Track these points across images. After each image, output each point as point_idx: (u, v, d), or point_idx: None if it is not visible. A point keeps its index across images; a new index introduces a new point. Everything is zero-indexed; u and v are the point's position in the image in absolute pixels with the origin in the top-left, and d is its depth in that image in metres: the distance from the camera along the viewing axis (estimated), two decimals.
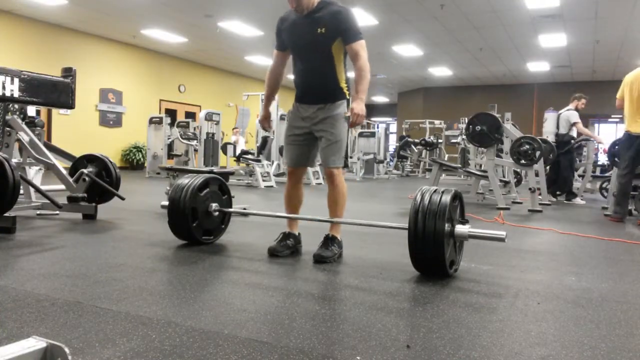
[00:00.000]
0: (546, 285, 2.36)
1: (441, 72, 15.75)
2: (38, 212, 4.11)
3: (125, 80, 13.17)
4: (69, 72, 4.34)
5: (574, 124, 7.00)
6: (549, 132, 7.18)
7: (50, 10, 10.09)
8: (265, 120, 3.05)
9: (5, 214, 3.21)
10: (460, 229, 2.38)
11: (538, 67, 14.47)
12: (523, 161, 5.85)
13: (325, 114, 2.75)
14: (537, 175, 6.15)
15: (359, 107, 2.59)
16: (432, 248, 2.26)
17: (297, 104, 2.87)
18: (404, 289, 2.21)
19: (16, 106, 4.15)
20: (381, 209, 5.82)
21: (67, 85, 4.28)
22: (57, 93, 4.21)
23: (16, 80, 3.86)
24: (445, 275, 2.36)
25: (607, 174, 8.01)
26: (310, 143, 2.86)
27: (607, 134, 17.00)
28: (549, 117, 7.37)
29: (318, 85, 2.78)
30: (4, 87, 3.76)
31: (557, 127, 7.14)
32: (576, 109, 7.15)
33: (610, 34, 10.76)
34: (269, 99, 3.03)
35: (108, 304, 1.86)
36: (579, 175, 8.34)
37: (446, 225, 2.26)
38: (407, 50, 12.85)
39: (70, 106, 4.35)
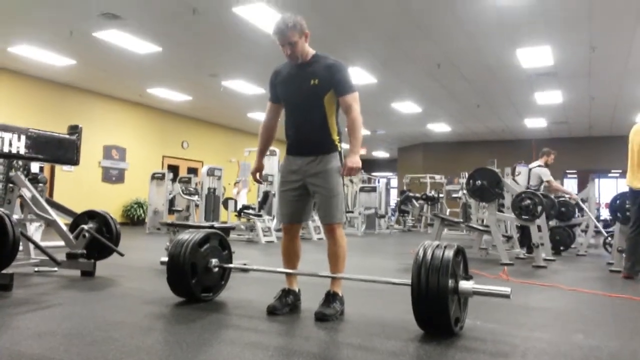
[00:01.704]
0: (554, 343, 2.30)
1: (440, 127, 16.01)
2: (36, 268, 4.06)
3: (130, 137, 13.38)
4: (75, 129, 4.42)
5: (547, 181, 7.05)
6: (522, 185, 7.25)
7: (59, 71, 10.41)
8: (257, 173, 3.01)
9: (2, 271, 3.17)
10: (464, 285, 2.34)
11: (535, 123, 14.71)
12: (525, 216, 5.83)
13: (319, 167, 2.75)
14: (539, 230, 6.12)
15: (353, 160, 2.61)
16: (436, 305, 2.21)
17: (289, 156, 2.88)
18: (407, 348, 2.15)
19: (20, 162, 4.20)
20: (383, 264, 5.75)
21: (73, 142, 4.35)
22: (63, 150, 4.27)
23: (23, 137, 3.92)
24: (450, 334, 2.30)
25: (610, 229, 7.95)
26: (304, 198, 2.84)
27: (607, 189, 17.07)
28: (522, 170, 7.48)
29: (310, 137, 2.79)
30: (10, 144, 3.82)
31: (528, 182, 7.21)
32: (546, 164, 7.25)
33: (605, 90, 11.01)
34: (262, 152, 3.03)
35: None
36: (582, 231, 8.28)
37: (450, 281, 2.22)
38: (406, 107, 13.13)
39: (75, 163, 4.41)
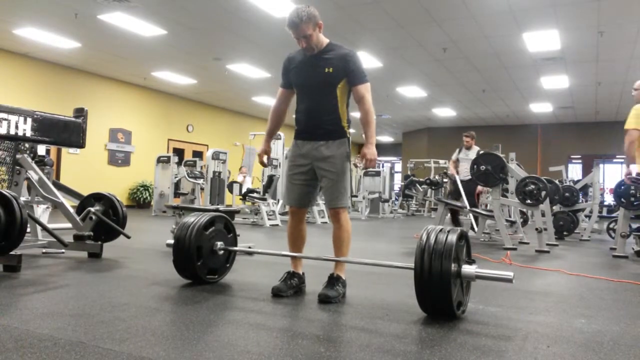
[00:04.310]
0: (556, 327, 2.32)
1: (445, 112, 15.93)
2: (44, 250, 4.11)
3: (135, 120, 13.39)
4: (80, 112, 4.43)
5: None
6: None
7: (64, 53, 10.39)
8: (264, 155, 3.03)
9: (11, 253, 3.21)
10: (467, 269, 2.36)
11: (541, 108, 14.62)
12: (529, 201, 5.83)
13: (327, 152, 2.79)
14: (543, 215, 6.12)
15: (370, 152, 2.68)
16: (438, 288, 2.23)
17: (297, 140, 2.91)
18: (410, 331, 2.18)
19: (27, 145, 4.22)
20: (387, 248, 5.78)
21: (79, 125, 4.37)
22: (69, 133, 4.29)
23: (29, 120, 3.94)
24: (453, 317, 2.33)
25: (614, 215, 7.95)
26: (311, 183, 2.88)
27: (612, 174, 16.98)
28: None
29: (320, 123, 2.82)
30: (17, 127, 3.84)
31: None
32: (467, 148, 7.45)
33: (612, 75, 10.91)
34: (270, 135, 3.06)
35: (111, 344, 1.84)
36: (586, 216, 8.28)
37: (453, 265, 2.24)
38: (411, 91, 13.05)
39: (81, 145, 4.43)
